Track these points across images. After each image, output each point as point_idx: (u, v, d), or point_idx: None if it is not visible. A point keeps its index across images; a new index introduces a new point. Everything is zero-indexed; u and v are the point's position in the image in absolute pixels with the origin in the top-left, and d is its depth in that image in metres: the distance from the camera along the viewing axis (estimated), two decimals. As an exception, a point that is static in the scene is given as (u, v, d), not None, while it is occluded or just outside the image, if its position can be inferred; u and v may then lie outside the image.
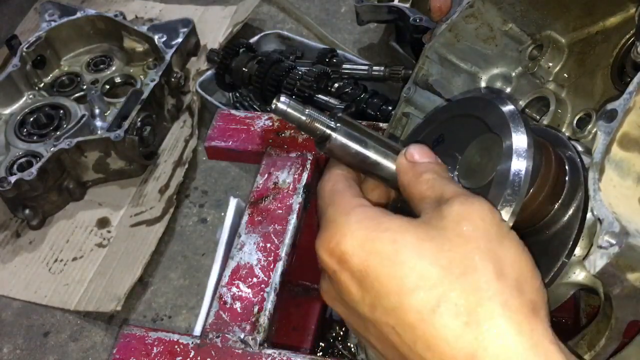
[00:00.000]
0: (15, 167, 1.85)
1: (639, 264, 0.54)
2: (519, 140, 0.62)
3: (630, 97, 0.56)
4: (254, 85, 1.92)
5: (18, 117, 1.99)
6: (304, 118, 0.62)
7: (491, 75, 0.94)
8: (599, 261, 0.55)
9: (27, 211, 1.85)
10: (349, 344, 1.62)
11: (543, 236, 0.66)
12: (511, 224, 0.60)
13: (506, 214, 0.59)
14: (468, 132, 0.70)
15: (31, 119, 1.99)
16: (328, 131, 0.63)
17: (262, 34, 2.23)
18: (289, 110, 0.62)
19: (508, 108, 0.66)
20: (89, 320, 1.75)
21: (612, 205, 0.55)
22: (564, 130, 0.83)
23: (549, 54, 0.87)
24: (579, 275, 0.63)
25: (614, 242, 0.54)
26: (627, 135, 0.56)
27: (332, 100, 1.81)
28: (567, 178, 0.64)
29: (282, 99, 0.62)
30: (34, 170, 1.76)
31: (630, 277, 0.54)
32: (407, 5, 2.12)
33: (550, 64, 0.86)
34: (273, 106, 0.62)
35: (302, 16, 2.50)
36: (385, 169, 0.66)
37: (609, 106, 0.57)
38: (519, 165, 0.60)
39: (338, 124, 0.63)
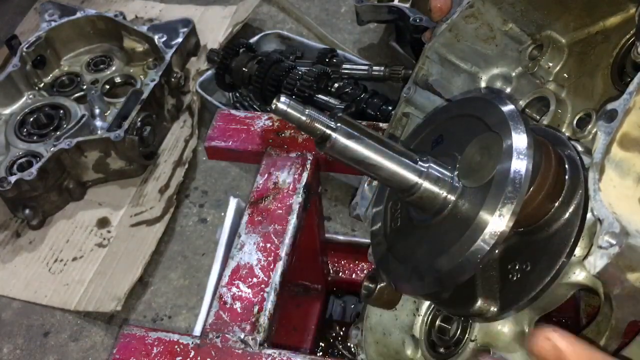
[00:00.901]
0: (15, 167, 1.85)
1: (639, 264, 0.54)
2: (519, 139, 0.62)
3: (630, 97, 0.56)
4: (254, 85, 1.92)
5: (18, 117, 1.99)
6: (304, 118, 0.62)
7: (491, 75, 0.94)
8: (599, 261, 0.54)
9: (27, 211, 1.85)
10: (349, 344, 1.62)
11: (543, 234, 0.66)
12: (512, 223, 0.60)
13: (507, 212, 0.60)
14: (468, 132, 0.70)
15: (31, 119, 1.99)
16: (328, 131, 0.63)
17: (262, 34, 2.23)
18: (289, 110, 0.62)
19: (508, 108, 0.66)
20: (89, 320, 1.75)
21: (612, 205, 0.54)
22: (564, 130, 0.83)
23: (549, 54, 0.86)
24: (579, 275, 0.63)
25: (614, 242, 0.53)
26: (627, 135, 0.55)
27: (332, 100, 1.81)
28: (567, 177, 0.65)
29: (282, 99, 0.62)
30: (34, 170, 1.76)
31: (630, 277, 0.54)
32: (407, 5, 2.12)
33: (550, 64, 0.86)
34: (273, 106, 0.62)
35: (302, 16, 2.50)
36: (385, 169, 0.66)
37: (609, 106, 0.57)
38: (519, 164, 0.61)
39: (338, 124, 0.64)
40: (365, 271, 1.59)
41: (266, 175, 1.16)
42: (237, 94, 2.15)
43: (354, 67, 1.93)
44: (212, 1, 2.58)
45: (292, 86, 1.83)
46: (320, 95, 1.82)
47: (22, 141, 1.93)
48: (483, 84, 0.95)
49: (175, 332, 0.99)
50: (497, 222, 0.60)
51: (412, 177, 0.66)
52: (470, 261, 0.61)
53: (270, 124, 1.25)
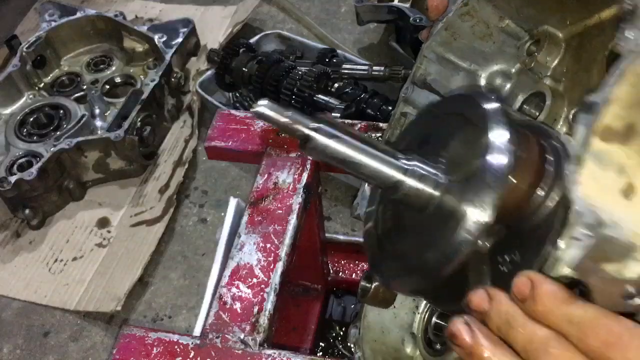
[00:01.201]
0: (15, 167, 1.85)
1: (615, 255, 0.54)
2: (500, 133, 0.63)
3: (610, 89, 0.56)
4: (254, 85, 1.92)
5: (18, 117, 1.99)
6: (284, 120, 0.63)
7: (490, 73, 0.94)
8: (574, 253, 0.55)
9: (27, 211, 1.85)
10: (349, 344, 1.62)
11: (530, 224, 0.66)
12: (493, 214, 0.61)
13: (488, 203, 0.61)
14: (452, 129, 0.72)
15: (31, 119, 1.99)
16: (309, 132, 0.64)
17: (262, 34, 2.23)
18: (270, 112, 0.63)
19: (489, 102, 0.67)
20: (89, 320, 1.75)
21: (592, 197, 0.54)
22: (560, 124, 0.83)
23: (546, 48, 0.86)
24: (564, 268, 0.63)
25: (588, 233, 0.54)
26: (607, 127, 0.55)
27: (332, 100, 1.81)
28: (550, 167, 0.65)
29: (262, 102, 0.63)
30: (34, 170, 1.76)
31: (607, 269, 0.54)
32: (407, 5, 2.12)
33: (548, 59, 0.86)
34: (254, 110, 0.63)
35: (302, 16, 2.50)
36: (368, 167, 0.66)
37: (589, 98, 0.58)
38: (500, 157, 0.62)
39: (319, 125, 0.64)
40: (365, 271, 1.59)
41: (266, 176, 1.17)
42: (237, 94, 2.14)
43: (354, 67, 1.93)
44: (212, 1, 2.58)
45: (292, 86, 1.83)
46: (320, 95, 1.82)
47: (22, 141, 1.93)
48: (483, 82, 0.95)
49: (175, 332, 0.99)
50: (479, 214, 0.61)
51: (396, 175, 0.67)
52: (453, 253, 0.62)
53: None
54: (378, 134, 1.20)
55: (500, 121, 0.64)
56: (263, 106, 0.63)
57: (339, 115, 1.74)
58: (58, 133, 1.90)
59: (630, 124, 0.55)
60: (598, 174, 0.55)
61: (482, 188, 0.61)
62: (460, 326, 0.59)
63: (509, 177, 0.62)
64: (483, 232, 0.62)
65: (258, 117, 0.63)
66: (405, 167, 0.67)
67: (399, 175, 0.67)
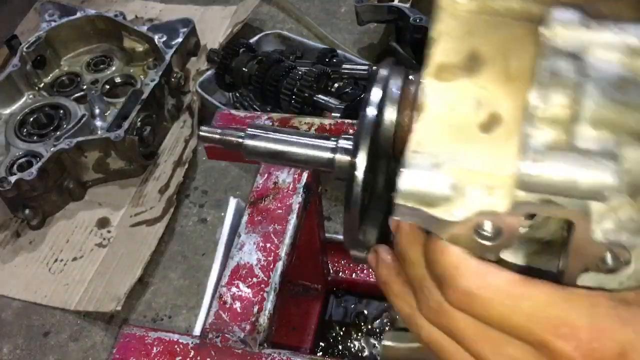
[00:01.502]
0: (15, 167, 1.85)
1: (442, 197, 0.49)
2: (375, 91, 0.67)
3: (432, 31, 0.54)
4: (254, 85, 1.92)
5: (18, 117, 1.99)
6: (217, 136, 0.74)
7: None
8: (396, 204, 0.51)
9: (27, 211, 1.85)
10: (349, 344, 1.62)
11: None
12: (365, 157, 0.64)
13: (363, 152, 0.64)
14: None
15: (31, 119, 1.99)
16: (238, 139, 0.74)
17: (262, 34, 2.23)
18: (207, 134, 0.74)
19: (380, 70, 0.71)
20: (89, 320, 1.75)
21: (423, 143, 0.50)
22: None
23: None
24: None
25: (403, 180, 0.50)
26: (443, 65, 0.52)
27: (332, 100, 1.81)
28: None
29: (203, 127, 0.75)
30: (34, 170, 1.76)
31: (433, 213, 0.50)
32: (407, 5, 2.12)
33: None
34: (199, 136, 0.76)
35: (302, 16, 2.50)
36: (299, 155, 0.73)
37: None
38: (371, 110, 0.65)
39: (247, 131, 0.74)
40: (365, 271, 1.59)
41: (266, 175, 1.17)
42: (237, 94, 2.14)
43: (354, 67, 1.93)
44: (212, 1, 2.58)
45: (292, 86, 1.82)
46: (320, 95, 1.82)
47: (22, 141, 1.93)
48: None
49: (175, 332, 1.00)
50: (360, 160, 0.65)
51: (325, 154, 0.73)
52: (350, 195, 0.67)
53: (270, 124, 1.25)
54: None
55: (380, 77, 0.68)
56: (201, 131, 0.75)
57: (338, 115, 1.74)
58: (58, 133, 1.90)
59: (471, 53, 0.52)
60: (446, 115, 0.51)
61: (357, 137, 0.66)
62: (370, 253, 0.67)
63: (392, 118, 0.65)
64: (365, 173, 0.65)
65: (202, 140, 0.75)
66: (332, 146, 0.73)
67: (328, 154, 0.73)
